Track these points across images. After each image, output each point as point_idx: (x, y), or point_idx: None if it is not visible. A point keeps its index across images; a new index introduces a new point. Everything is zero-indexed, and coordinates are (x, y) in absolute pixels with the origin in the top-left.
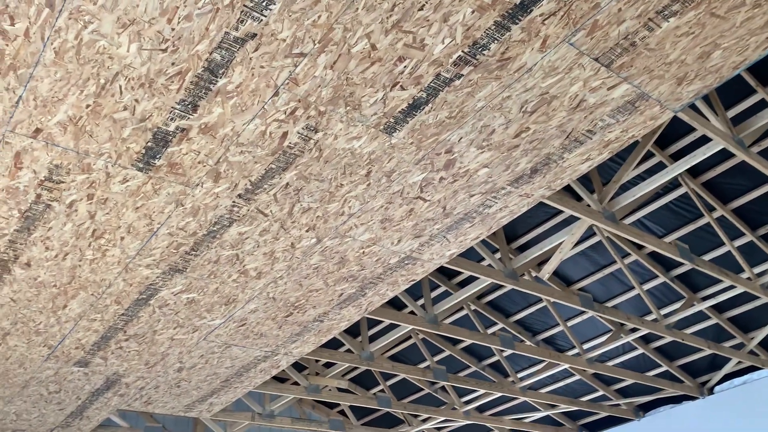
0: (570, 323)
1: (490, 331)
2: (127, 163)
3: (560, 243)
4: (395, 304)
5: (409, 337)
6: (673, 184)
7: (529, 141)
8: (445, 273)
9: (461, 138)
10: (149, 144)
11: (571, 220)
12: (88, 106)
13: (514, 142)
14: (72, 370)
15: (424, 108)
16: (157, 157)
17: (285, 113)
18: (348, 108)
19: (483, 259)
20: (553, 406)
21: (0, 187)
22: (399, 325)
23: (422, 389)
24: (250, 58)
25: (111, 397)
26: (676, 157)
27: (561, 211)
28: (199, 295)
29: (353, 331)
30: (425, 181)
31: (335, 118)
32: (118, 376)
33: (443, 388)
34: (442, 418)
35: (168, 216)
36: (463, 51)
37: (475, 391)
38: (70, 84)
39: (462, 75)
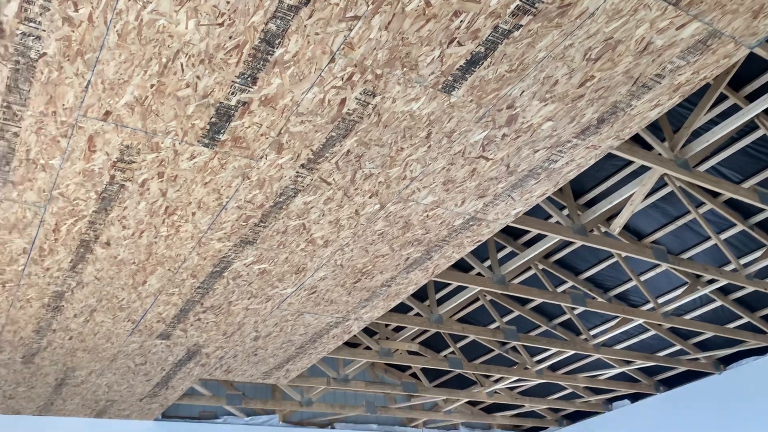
0: (643, 277)
1: (559, 290)
2: (193, 139)
3: (630, 195)
4: (462, 266)
5: (477, 299)
6: (750, 127)
7: (595, 90)
8: (510, 233)
9: (523, 92)
10: (213, 120)
11: (641, 171)
12: (152, 85)
13: (579, 92)
14: (155, 343)
15: (482, 63)
16: (221, 132)
17: (342, 79)
18: (405, 69)
19: (550, 216)
20: (628, 363)
21: (77, 170)
22: (466, 287)
23: (492, 350)
24: (305, 26)
25: (193, 367)
26: (752, 98)
27: (630, 162)
28: (269, 266)
29: (421, 294)
30: (487, 140)
31: (392, 80)
32: (199, 346)
33: (514, 348)
34: (515, 378)
35: (235, 190)
36: (521, 0)
37: (546, 350)
38: (134, 65)
39: (521, 25)
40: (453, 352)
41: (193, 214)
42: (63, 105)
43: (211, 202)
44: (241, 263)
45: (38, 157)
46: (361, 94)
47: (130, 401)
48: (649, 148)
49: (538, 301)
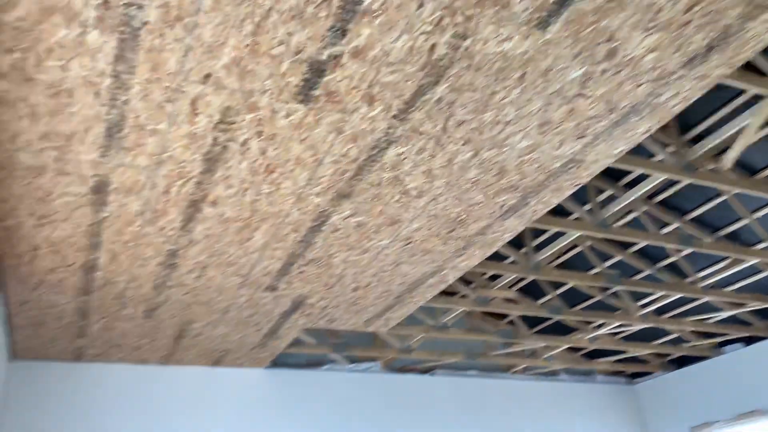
0: (756, 215)
1: (664, 232)
2: (288, 97)
3: (743, 127)
4: (560, 211)
5: (576, 245)
6: None
7: (703, 14)
8: (611, 175)
9: (623, 22)
10: (306, 76)
11: (753, 101)
12: (247, 45)
13: (685, 18)
14: (262, 296)
15: None
16: (315, 87)
17: (431, 24)
18: (496, 8)
19: (653, 155)
20: (739, 305)
21: (182, 133)
22: (565, 233)
23: (592, 296)
24: None
25: (298, 317)
26: None
27: (742, 92)
28: (365, 218)
29: (518, 242)
30: (585, 76)
31: (483, 21)
32: (303, 298)
33: (615, 294)
34: (617, 324)
35: (330, 145)
36: None
37: (651, 294)
38: (229, 26)
39: None
40: (552, 299)
41: (292, 170)
42: (166, 71)
43: (308, 159)
44: (338, 217)
45: (147, 122)
46: (451, 37)
47: (243, 351)
48: (763, 74)
49: (642, 244)
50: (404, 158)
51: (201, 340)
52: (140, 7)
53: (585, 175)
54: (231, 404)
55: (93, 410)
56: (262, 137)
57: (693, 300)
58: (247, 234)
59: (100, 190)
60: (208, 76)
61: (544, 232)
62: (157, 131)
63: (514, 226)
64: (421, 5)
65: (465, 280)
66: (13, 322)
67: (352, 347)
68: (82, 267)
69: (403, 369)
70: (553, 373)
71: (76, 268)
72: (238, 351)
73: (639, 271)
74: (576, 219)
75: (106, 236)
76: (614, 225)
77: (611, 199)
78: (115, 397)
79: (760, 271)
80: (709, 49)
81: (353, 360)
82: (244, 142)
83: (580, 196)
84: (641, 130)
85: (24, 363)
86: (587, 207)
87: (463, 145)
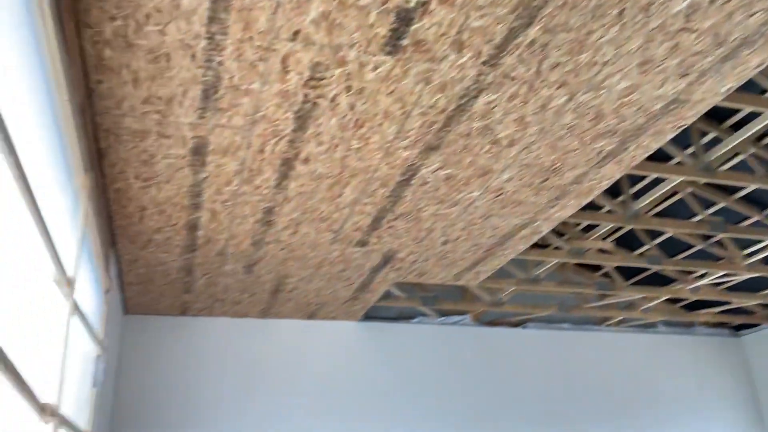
0: None
1: None
2: (376, 49)
3: None
4: (660, 156)
5: (675, 192)
6: None
7: None
8: (714, 116)
9: None
10: (393, 26)
11: None
12: None
13: None
14: (353, 251)
15: None
16: (403, 37)
17: None
18: None
19: (765, 91)
20: None
21: (274, 92)
22: (665, 179)
23: (694, 245)
24: None
25: (388, 271)
26: None
27: None
28: (455, 170)
29: (614, 190)
30: (691, 8)
31: None
32: (392, 252)
33: (719, 242)
34: (721, 273)
35: (418, 96)
36: None
37: (758, 241)
38: None
39: None
40: (650, 249)
41: (381, 124)
42: (257, 29)
43: (396, 111)
44: (427, 170)
45: (240, 83)
46: None
47: (336, 304)
48: None
49: (749, 189)
50: (495, 106)
51: (296, 295)
52: None
53: (689, 116)
54: (325, 355)
55: (198, 360)
56: (351, 92)
57: None
58: (337, 190)
59: (199, 151)
60: (297, 32)
61: (642, 178)
62: (251, 91)
63: (611, 173)
64: None
65: (558, 231)
66: (124, 279)
67: (441, 301)
68: (186, 226)
69: (494, 322)
70: (650, 326)
71: (180, 227)
72: (331, 305)
73: (745, 218)
74: (677, 164)
75: (206, 196)
76: (719, 169)
77: (716, 141)
78: (218, 348)
79: None
80: None
81: (443, 313)
82: (334, 98)
83: (682, 139)
84: (753, 64)
85: (135, 317)
86: (689, 151)
87: (558, 89)
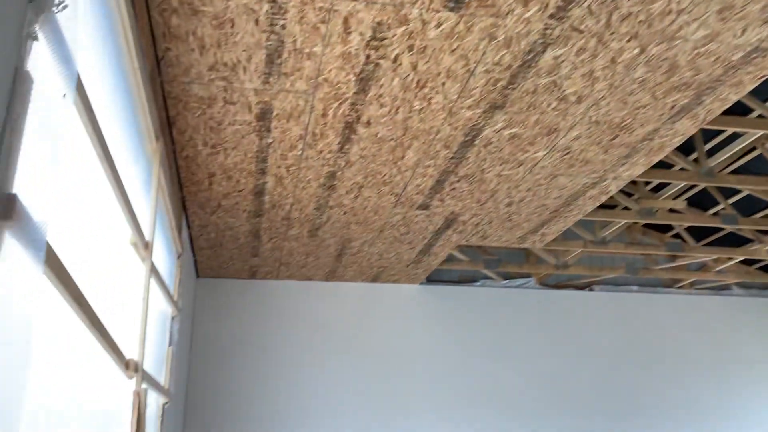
0: None
1: None
2: (438, 5)
3: None
4: (738, 110)
5: (754, 148)
6: None
7: None
8: None
9: None
10: None
11: None
12: None
13: None
14: (416, 214)
15: None
16: None
17: None
18: None
19: None
20: None
21: (336, 54)
22: (743, 134)
23: None
24: None
25: (451, 234)
26: None
27: None
28: (520, 129)
29: (687, 147)
30: None
31: None
32: (455, 215)
33: None
34: None
35: (483, 53)
36: None
37: None
38: None
39: None
40: (724, 209)
41: (443, 84)
42: None
43: (459, 70)
44: (491, 129)
45: (303, 46)
46: None
47: (398, 267)
48: None
49: None
50: (562, 61)
51: (359, 258)
52: None
53: None
54: (388, 318)
55: (266, 322)
56: (413, 51)
57: None
58: (399, 153)
59: (264, 117)
60: None
61: (718, 134)
62: (313, 54)
63: (685, 129)
64: None
65: (626, 191)
66: (195, 244)
67: (505, 263)
68: (252, 191)
69: (559, 285)
70: (724, 288)
71: (247, 193)
72: (393, 268)
73: None
74: (758, 117)
75: (271, 161)
76: None
77: None
78: (285, 310)
79: None
80: None
81: (506, 276)
82: (396, 58)
83: (762, 91)
84: None
85: (207, 281)
86: None
87: (629, 41)
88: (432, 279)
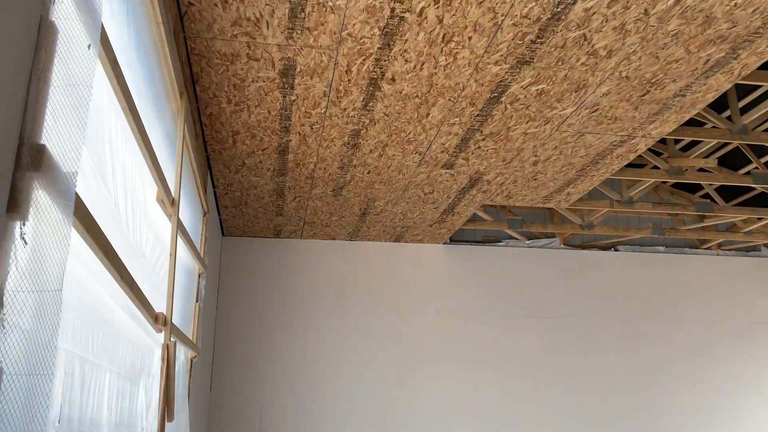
0: None
1: None
2: None
3: None
4: None
5: None
6: None
7: None
8: None
9: None
10: None
11: None
12: None
13: None
14: (440, 173)
15: None
16: None
17: None
18: None
19: None
20: None
21: (360, 7)
22: None
23: None
24: None
25: (475, 194)
26: None
27: None
28: (548, 85)
29: (719, 104)
30: None
31: None
32: (480, 174)
33: None
34: None
35: (510, 5)
36: None
37: None
38: None
39: None
40: (756, 168)
41: (470, 38)
42: None
43: (486, 23)
44: (517, 86)
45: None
46: None
47: (422, 227)
48: None
49: None
50: (593, 13)
51: (383, 217)
52: None
53: None
54: (412, 277)
55: (291, 280)
56: (439, 4)
57: None
58: (424, 110)
59: (287, 73)
60: None
61: (752, 91)
62: (337, 7)
63: (718, 85)
64: None
65: (654, 149)
66: (220, 202)
67: (529, 223)
68: (276, 149)
69: (583, 245)
70: (754, 249)
71: (271, 151)
72: (417, 227)
73: None
74: None
75: (295, 119)
76: None
77: None
78: (309, 269)
79: None
80: None
81: (530, 237)
82: (421, 11)
83: None
84: None
85: (233, 239)
86: None
87: None
88: (455, 239)
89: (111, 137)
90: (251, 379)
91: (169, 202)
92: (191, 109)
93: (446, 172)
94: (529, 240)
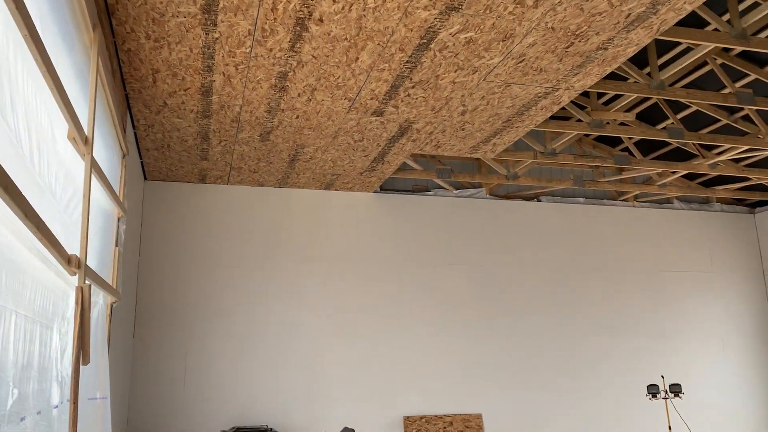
0: None
1: None
2: None
3: None
4: (691, 22)
5: (705, 63)
6: None
7: None
8: None
9: None
10: None
11: None
12: None
13: None
14: (370, 120)
15: None
16: None
17: None
18: None
19: None
20: None
21: None
22: (693, 50)
23: (719, 120)
24: None
25: (405, 142)
26: None
27: None
28: (476, 34)
29: (640, 59)
30: None
31: None
32: (409, 122)
33: (745, 117)
34: (744, 148)
35: None
36: None
37: None
38: None
39: None
40: (672, 123)
41: None
42: None
43: None
44: (446, 33)
45: None
46: None
47: (352, 175)
48: None
49: None
50: None
51: (313, 165)
52: None
53: None
54: (342, 226)
55: (217, 226)
56: None
57: None
58: (353, 54)
59: (210, 9)
60: None
61: (671, 47)
62: None
63: (639, 39)
64: None
65: (577, 103)
66: (141, 145)
67: (457, 174)
68: (200, 90)
69: (508, 196)
70: (666, 201)
71: (194, 92)
72: (347, 175)
73: None
74: (714, 30)
75: (218, 58)
76: (755, 36)
77: (754, 6)
78: (237, 215)
79: None
80: None
81: (458, 186)
82: None
83: (717, 5)
84: None
85: (156, 183)
86: (726, 17)
87: None
88: (385, 188)
89: (9, 67)
90: (177, 326)
91: (82, 140)
92: (107, 44)
93: (376, 120)
94: (457, 190)
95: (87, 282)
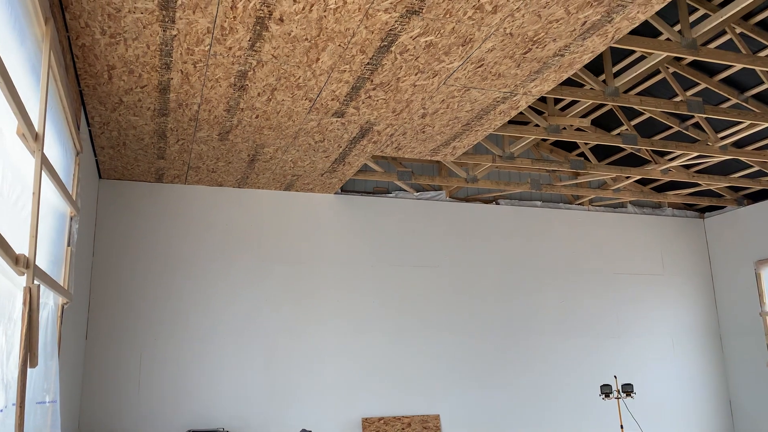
0: None
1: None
2: None
3: None
4: (644, 32)
5: (658, 72)
6: None
7: None
8: None
9: None
10: None
11: None
12: None
13: None
14: (331, 121)
15: None
16: None
17: None
18: None
19: None
20: None
21: None
22: (647, 57)
23: (671, 127)
24: None
25: (366, 144)
26: None
27: None
28: (436, 38)
29: (595, 67)
30: None
31: None
32: (370, 124)
33: (696, 124)
34: (694, 155)
35: None
36: None
37: (735, 124)
38: None
39: None
40: (626, 129)
41: None
42: None
43: None
44: (407, 36)
45: None
46: None
47: (313, 176)
48: None
49: (730, 71)
50: None
51: (273, 165)
52: None
53: None
54: (302, 227)
55: (174, 227)
56: None
57: None
58: (314, 54)
59: (168, 6)
60: None
61: (626, 56)
62: None
63: (594, 46)
64: None
65: (535, 108)
66: (96, 142)
67: (417, 176)
68: (157, 88)
69: (468, 198)
70: (620, 205)
71: (151, 89)
72: (308, 176)
73: (725, 100)
74: (666, 40)
75: (176, 56)
76: (705, 47)
77: (703, 18)
78: (195, 216)
79: None
80: None
81: (418, 189)
82: None
83: (669, 14)
84: None
85: (111, 182)
86: (677, 28)
87: None
88: (346, 189)
89: None
90: (131, 327)
91: (32, 136)
92: (60, 39)
93: (337, 121)
94: (418, 192)
95: (36, 282)
